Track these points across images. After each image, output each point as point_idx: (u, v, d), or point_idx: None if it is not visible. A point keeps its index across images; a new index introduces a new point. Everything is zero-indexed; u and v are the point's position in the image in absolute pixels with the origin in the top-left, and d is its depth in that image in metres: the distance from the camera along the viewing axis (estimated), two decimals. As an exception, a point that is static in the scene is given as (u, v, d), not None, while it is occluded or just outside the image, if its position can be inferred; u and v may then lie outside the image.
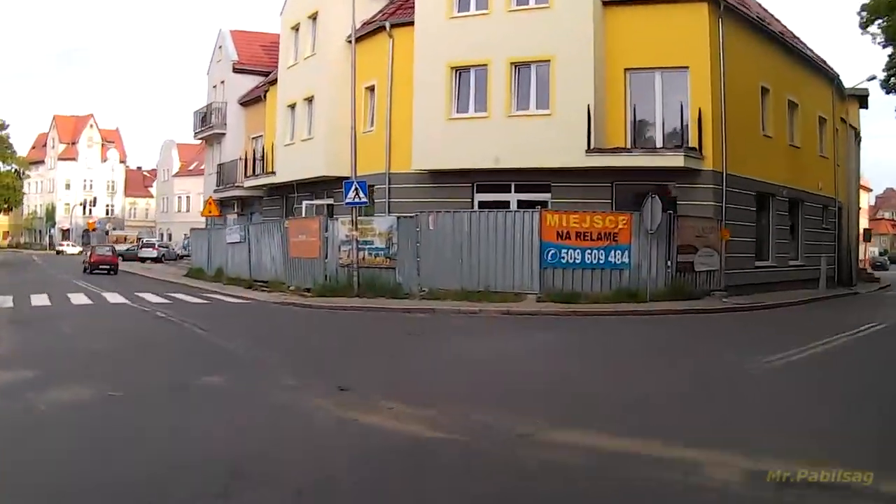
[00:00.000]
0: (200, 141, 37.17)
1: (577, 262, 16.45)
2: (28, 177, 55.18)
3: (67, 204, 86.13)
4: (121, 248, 60.20)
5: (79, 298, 17.66)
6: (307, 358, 9.82)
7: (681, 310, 15.20)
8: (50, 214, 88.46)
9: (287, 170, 25.02)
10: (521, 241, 16.68)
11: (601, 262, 16.48)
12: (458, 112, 19.49)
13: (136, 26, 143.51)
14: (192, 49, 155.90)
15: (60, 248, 67.88)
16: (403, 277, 17.59)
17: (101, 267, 30.77)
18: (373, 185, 19.93)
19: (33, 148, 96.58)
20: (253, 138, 30.00)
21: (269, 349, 10.33)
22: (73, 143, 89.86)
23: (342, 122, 19.37)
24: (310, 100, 23.92)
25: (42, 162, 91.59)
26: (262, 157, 27.92)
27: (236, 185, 29.69)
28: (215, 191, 31.73)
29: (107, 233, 67.73)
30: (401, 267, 17.73)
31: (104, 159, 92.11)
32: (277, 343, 11.50)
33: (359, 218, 17.69)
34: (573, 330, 13.04)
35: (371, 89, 21.90)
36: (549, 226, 16.53)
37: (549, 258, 16.49)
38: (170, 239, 68.96)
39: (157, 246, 51.12)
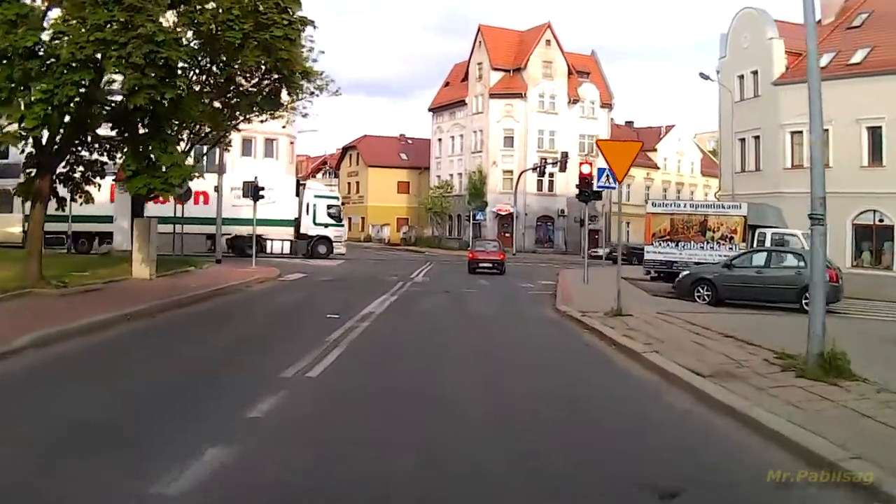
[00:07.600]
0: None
1: None
2: (323, 88, 27.27)
3: (508, 172, 55.58)
4: (668, 251, 22.93)
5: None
6: None
7: None
8: (476, 188, 55.85)
9: None
10: None
11: None
12: None
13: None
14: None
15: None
16: None
17: (482, 266, 27.64)
18: None
19: (446, 85, 67.15)
20: None
21: None
22: (516, 71, 56.91)
23: None
24: None
25: (461, 103, 60.77)
26: None
27: None
28: None
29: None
30: None
31: (573, 99, 56.84)
32: None
33: None
34: None
35: None
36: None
37: None
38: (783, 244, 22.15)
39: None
